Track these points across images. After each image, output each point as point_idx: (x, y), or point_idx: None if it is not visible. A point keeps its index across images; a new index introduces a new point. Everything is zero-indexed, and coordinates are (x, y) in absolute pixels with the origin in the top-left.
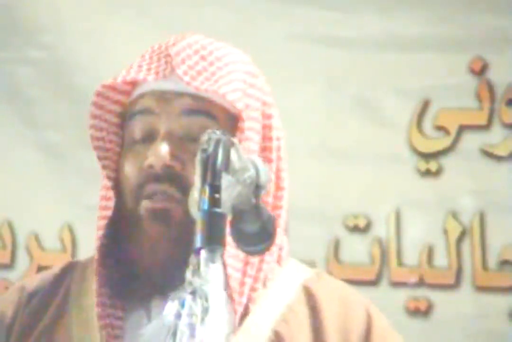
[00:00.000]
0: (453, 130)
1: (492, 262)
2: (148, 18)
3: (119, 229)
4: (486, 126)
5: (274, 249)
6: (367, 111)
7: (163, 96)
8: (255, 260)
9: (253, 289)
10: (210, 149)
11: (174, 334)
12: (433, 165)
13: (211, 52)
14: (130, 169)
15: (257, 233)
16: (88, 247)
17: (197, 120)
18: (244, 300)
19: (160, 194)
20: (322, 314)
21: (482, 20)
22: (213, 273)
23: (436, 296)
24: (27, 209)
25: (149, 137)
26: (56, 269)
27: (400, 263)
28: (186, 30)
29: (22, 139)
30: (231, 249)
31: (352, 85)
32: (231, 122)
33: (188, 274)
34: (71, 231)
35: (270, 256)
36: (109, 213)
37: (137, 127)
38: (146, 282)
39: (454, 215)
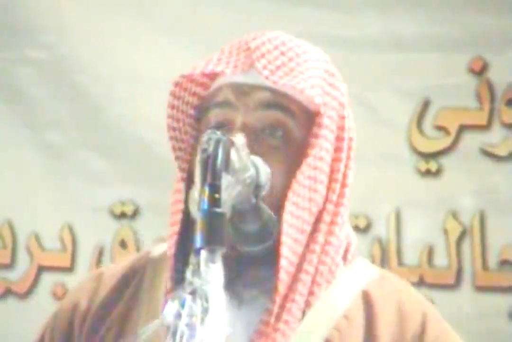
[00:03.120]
0: (453, 130)
1: (492, 262)
2: (148, 18)
3: (191, 223)
4: (486, 126)
5: (340, 250)
6: (367, 111)
7: (241, 89)
8: (313, 258)
9: (311, 293)
10: (210, 149)
11: (174, 334)
12: (433, 165)
13: (291, 48)
14: None
15: (257, 232)
16: (88, 247)
17: (273, 114)
18: (299, 299)
19: None
20: (377, 324)
21: (482, 20)
22: (213, 273)
23: (436, 296)
24: (27, 209)
25: (225, 129)
26: (133, 259)
27: (400, 263)
28: (187, 30)
29: (22, 139)
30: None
31: (352, 85)
32: (308, 119)
33: (188, 274)
34: (71, 231)
35: (328, 258)
36: (181, 206)
37: (214, 119)
38: None
39: (454, 215)
